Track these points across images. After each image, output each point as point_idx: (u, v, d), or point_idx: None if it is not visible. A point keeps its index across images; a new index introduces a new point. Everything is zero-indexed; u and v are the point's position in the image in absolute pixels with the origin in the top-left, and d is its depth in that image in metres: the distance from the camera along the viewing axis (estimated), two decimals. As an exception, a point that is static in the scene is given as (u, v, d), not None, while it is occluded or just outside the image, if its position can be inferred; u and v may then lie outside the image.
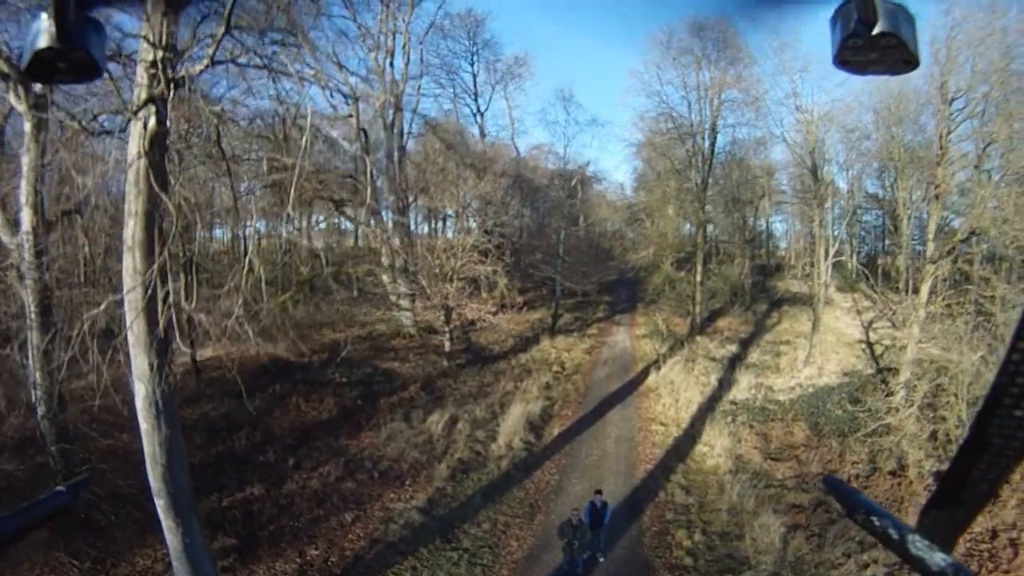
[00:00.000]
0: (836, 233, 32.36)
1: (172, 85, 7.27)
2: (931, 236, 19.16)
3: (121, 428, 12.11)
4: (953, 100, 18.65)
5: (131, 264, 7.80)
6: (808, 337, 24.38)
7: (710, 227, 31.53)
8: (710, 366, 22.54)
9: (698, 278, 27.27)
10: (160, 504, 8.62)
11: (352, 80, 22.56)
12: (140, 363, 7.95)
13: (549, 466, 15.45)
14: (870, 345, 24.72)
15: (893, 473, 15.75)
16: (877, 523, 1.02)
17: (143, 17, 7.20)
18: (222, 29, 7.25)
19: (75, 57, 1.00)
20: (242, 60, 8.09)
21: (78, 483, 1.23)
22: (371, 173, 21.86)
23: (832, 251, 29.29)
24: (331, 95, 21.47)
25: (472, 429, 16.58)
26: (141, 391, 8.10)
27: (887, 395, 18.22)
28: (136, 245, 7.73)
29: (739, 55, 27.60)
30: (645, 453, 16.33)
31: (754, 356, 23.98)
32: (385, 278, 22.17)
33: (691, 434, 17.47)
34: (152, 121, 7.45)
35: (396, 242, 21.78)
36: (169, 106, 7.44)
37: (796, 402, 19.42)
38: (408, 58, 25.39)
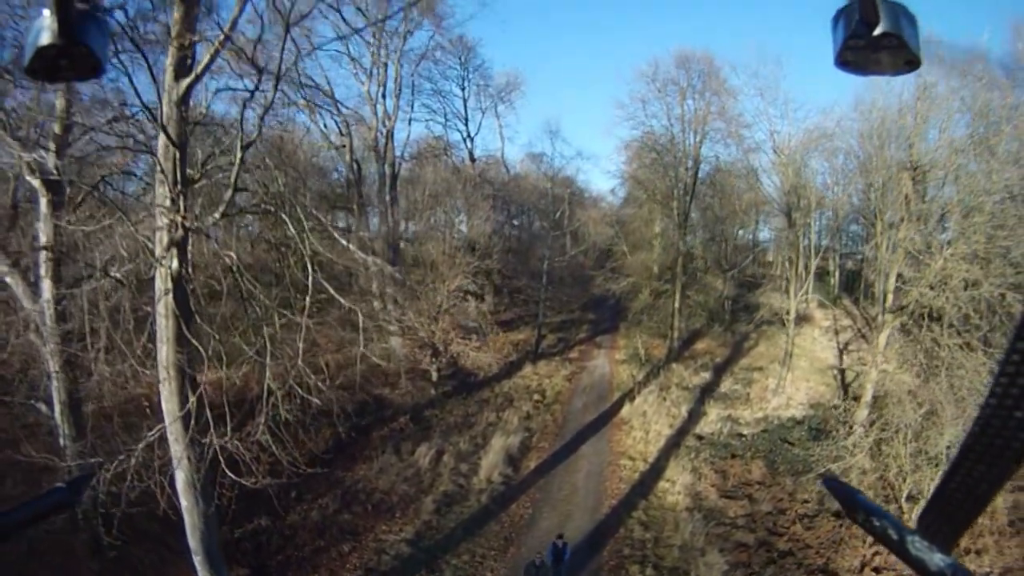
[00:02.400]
0: (821, 242, 34.77)
1: (189, 234, 9.54)
2: (891, 288, 21.14)
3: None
4: (916, 167, 20.67)
5: (166, 380, 10.13)
6: (781, 362, 26.88)
7: (692, 242, 33.61)
8: (682, 396, 24.99)
9: (676, 305, 29.79)
10: (197, 559, 11.13)
11: (344, 110, 24.56)
12: (179, 453, 10.32)
13: (524, 500, 17.79)
14: (842, 371, 27.14)
15: (837, 514, 17.47)
16: (876, 523, 1.03)
17: (159, 168, 9.42)
18: (230, 192, 9.48)
19: (77, 54, 1.07)
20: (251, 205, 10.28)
21: (79, 479, 1.24)
22: (359, 203, 23.96)
23: (813, 265, 31.68)
24: (324, 125, 23.47)
25: (456, 462, 19.01)
26: (181, 476, 10.50)
27: (847, 434, 19.97)
28: (171, 365, 10.04)
29: (723, 87, 29.89)
30: (612, 488, 18.70)
31: (726, 385, 26.51)
32: (376, 304, 24.39)
33: (656, 469, 19.79)
34: (175, 263, 9.70)
35: (389, 268, 23.99)
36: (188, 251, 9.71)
37: (759, 437, 21.85)
38: (400, 88, 27.47)
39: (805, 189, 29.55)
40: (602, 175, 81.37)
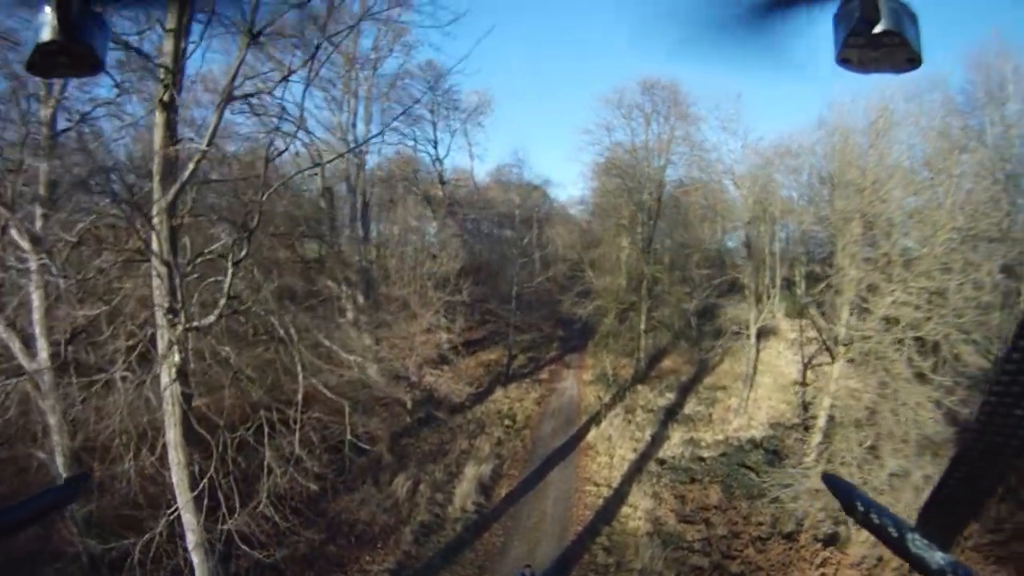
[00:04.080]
0: (787, 248, 36.56)
1: (188, 334, 10.99)
2: (843, 321, 22.63)
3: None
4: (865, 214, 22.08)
5: (175, 457, 11.61)
6: (744, 381, 28.73)
7: (658, 268, 35.28)
8: (647, 419, 26.85)
9: (642, 327, 31.65)
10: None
11: (316, 139, 25.64)
12: (189, 523, 11.80)
13: (496, 528, 19.34)
14: (804, 387, 28.88)
15: (788, 536, 19.29)
16: (877, 521, 1.08)
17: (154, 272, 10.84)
18: (224, 300, 10.93)
19: (77, 51, 1.12)
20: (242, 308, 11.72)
21: (77, 478, 1.27)
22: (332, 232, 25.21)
23: (779, 279, 33.50)
24: (296, 153, 24.61)
25: (432, 492, 20.59)
26: (191, 536, 11.99)
27: (798, 463, 21.48)
28: (178, 446, 11.53)
29: (688, 112, 31.66)
30: (578, 515, 20.33)
31: (690, 406, 28.46)
32: (353, 333, 25.75)
33: (620, 494, 21.44)
34: (176, 357, 11.14)
35: (360, 299, 25.47)
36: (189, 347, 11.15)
37: (717, 461, 23.63)
38: (370, 117, 29.06)
39: (770, 204, 31.40)
40: (572, 187, 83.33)
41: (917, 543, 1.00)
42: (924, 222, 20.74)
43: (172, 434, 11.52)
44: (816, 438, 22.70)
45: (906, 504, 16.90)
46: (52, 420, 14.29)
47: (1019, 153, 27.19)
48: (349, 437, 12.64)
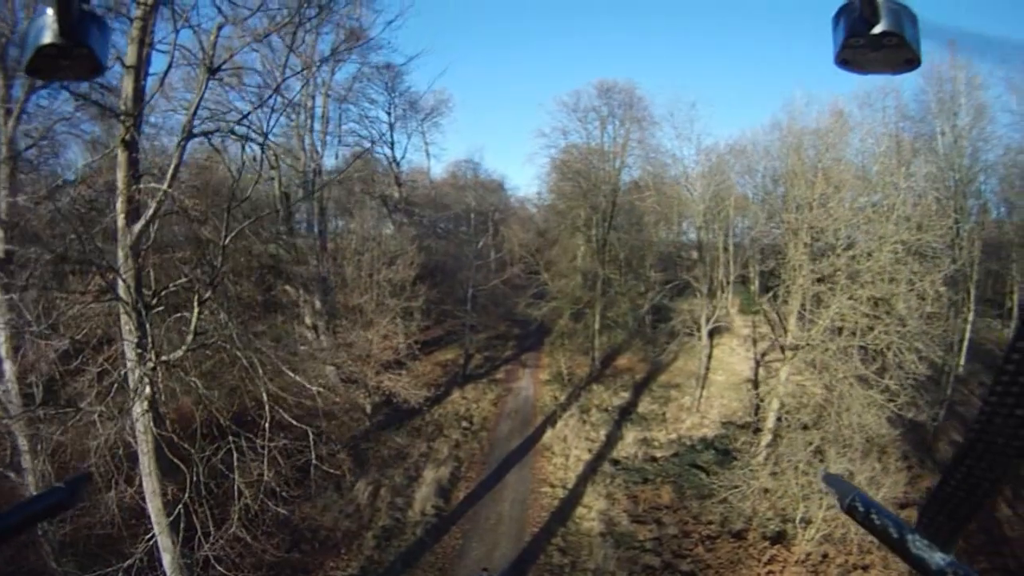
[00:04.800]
0: (741, 245, 37.72)
1: (158, 367, 11.37)
2: (791, 329, 23.06)
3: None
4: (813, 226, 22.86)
5: (149, 485, 12.02)
6: (697, 380, 29.86)
7: (611, 269, 35.97)
8: (601, 418, 27.71)
9: (597, 326, 32.60)
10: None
11: (272, 142, 25.68)
12: (166, 546, 12.23)
13: (455, 531, 19.92)
14: (756, 385, 30.02)
15: (737, 535, 19.97)
16: (876, 521, 1.08)
17: (121, 309, 11.17)
18: (191, 336, 11.31)
19: (78, 54, 1.12)
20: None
21: (77, 479, 1.28)
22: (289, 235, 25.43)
23: (732, 276, 34.62)
24: (254, 158, 24.67)
25: (392, 496, 21.19)
26: (167, 558, 12.37)
27: (746, 465, 21.83)
28: (152, 470, 11.94)
29: (644, 116, 32.45)
30: (534, 516, 20.95)
31: (644, 405, 29.42)
32: (309, 335, 26.09)
33: (575, 495, 22.17)
34: (147, 390, 11.51)
35: (318, 303, 25.82)
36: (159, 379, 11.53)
37: (670, 461, 24.50)
38: (327, 121, 29.28)
39: (725, 202, 32.45)
40: (528, 190, 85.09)
41: (917, 544, 1.02)
42: (871, 234, 21.29)
43: (145, 461, 11.91)
44: (766, 439, 23.44)
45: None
46: (22, 441, 14.50)
47: (968, 164, 28.63)
48: (314, 462, 13.05)
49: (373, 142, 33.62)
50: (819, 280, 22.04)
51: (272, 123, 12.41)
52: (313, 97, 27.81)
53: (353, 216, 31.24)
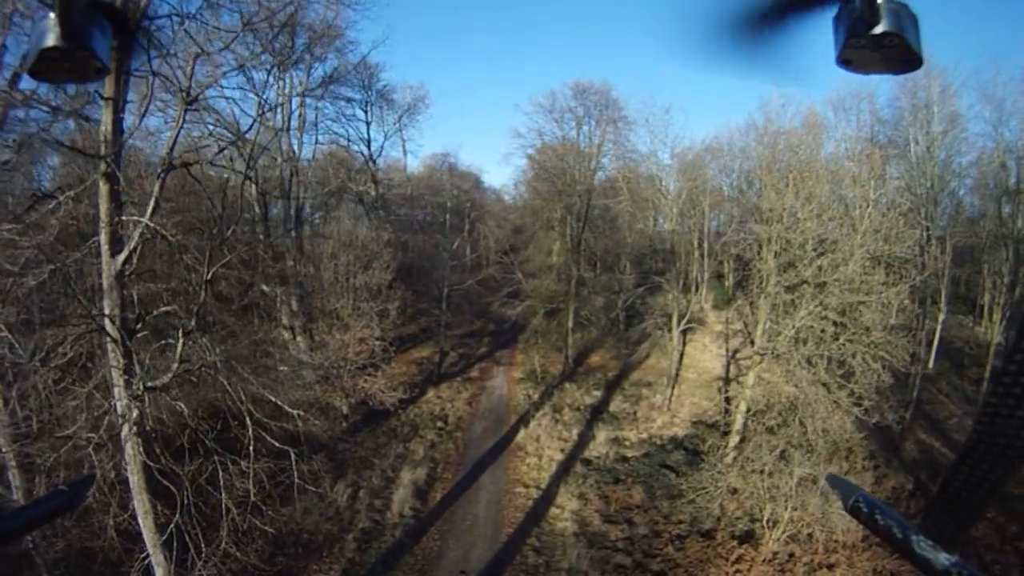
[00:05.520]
0: (716, 241, 38.25)
1: (145, 393, 11.77)
2: (760, 331, 23.53)
3: None
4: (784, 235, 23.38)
5: (140, 506, 12.45)
6: (669, 379, 30.51)
7: (585, 269, 36.69)
8: (574, 418, 28.27)
9: (570, 324, 33.22)
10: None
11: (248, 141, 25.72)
12: (160, 563, 12.67)
13: (433, 532, 20.39)
14: (727, 382, 30.63)
15: (706, 534, 20.46)
16: (881, 522, 1.09)
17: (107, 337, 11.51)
18: (176, 364, 11.69)
19: (80, 57, 1.13)
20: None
21: (80, 482, 1.27)
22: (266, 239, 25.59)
23: (708, 269, 35.30)
24: (231, 159, 24.75)
25: (371, 498, 21.63)
26: (159, 573, 12.83)
27: (714, 466, 22.16)
28: (142, 490, 12.36)
29: (619, 117, 32.86)
30: (509, 517, 21.42)
31: (616, 403, 30.03)
32: (286, 335, 26.41)
33: (548, 496, 22.67)
34: (135, 414, 11.88)
35: (295, 304, 26.11)
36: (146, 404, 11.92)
37: (640, 461, 25.05)
38: (304, 123, 29.37)
39: (700, 200, 33.06)
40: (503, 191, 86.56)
41: (922, 544, 1.02)
42: (839, 245, 21.86)
43: (135, 480, 12.30)
44: (734, 440, 24.23)
45: (813, 508, 18.81)
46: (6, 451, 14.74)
47: (940, 172, 29.42)
48: (297, 481, 13.54)
49: (349, 140, 33.81)
50: (787, 289, 22.66)
51: (257, 155, 12.61)
52: (289, 98, 27.78)
53: (330, 216, 31.43)
